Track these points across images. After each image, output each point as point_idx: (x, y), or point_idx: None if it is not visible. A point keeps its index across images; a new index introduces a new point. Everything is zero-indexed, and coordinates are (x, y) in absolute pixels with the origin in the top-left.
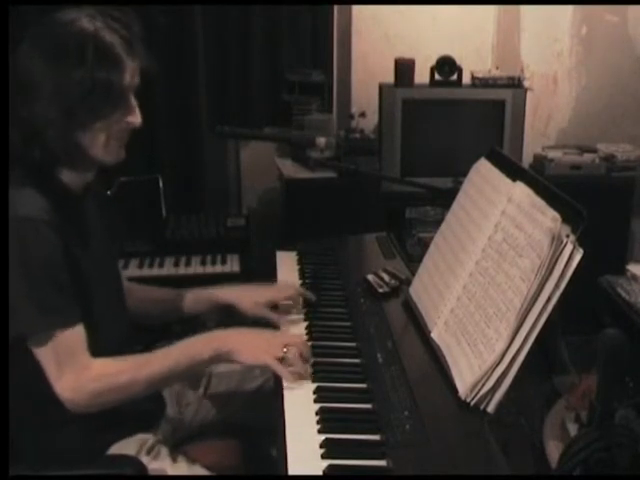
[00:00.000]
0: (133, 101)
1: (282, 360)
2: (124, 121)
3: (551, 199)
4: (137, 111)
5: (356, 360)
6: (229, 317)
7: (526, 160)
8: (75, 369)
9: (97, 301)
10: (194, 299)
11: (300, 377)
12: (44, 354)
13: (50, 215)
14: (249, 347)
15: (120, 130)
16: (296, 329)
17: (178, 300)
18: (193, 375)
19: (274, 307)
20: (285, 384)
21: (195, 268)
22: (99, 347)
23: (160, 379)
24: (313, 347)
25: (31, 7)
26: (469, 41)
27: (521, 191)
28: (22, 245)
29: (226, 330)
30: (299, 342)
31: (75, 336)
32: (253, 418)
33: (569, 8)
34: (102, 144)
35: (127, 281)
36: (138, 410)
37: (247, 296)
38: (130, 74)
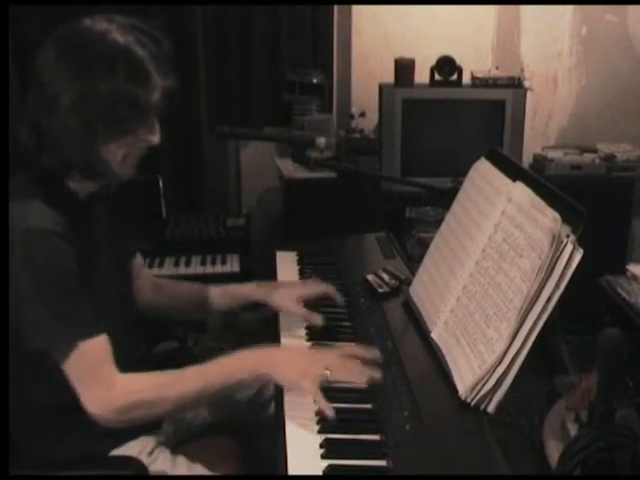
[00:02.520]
0: (155, 120)
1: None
2: (144, 139)
3: (551, 199)
4: (157, 130)
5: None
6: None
7: (526, 160)
8: (100, 384)
9: (104, 308)
10: (222, 294)
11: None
12: (69, 368)
13: (61, 226)
14: (289, 369)
15: (138, 148)
16: (296, 329)
17: (205, 295)
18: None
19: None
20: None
21: (195, 268)
22: None
23: (191, 399)
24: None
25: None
26: (469, 41)
27: (521, 191)
28: (35, 258)
29: (266, 348)
30: (340, 364)
31: (99, 347)
32: (253, 418)
33: (569, 8)
34: (120, 159)
35: (155, 277)
36: None
37: (279, 293)
38: (157, 92)
